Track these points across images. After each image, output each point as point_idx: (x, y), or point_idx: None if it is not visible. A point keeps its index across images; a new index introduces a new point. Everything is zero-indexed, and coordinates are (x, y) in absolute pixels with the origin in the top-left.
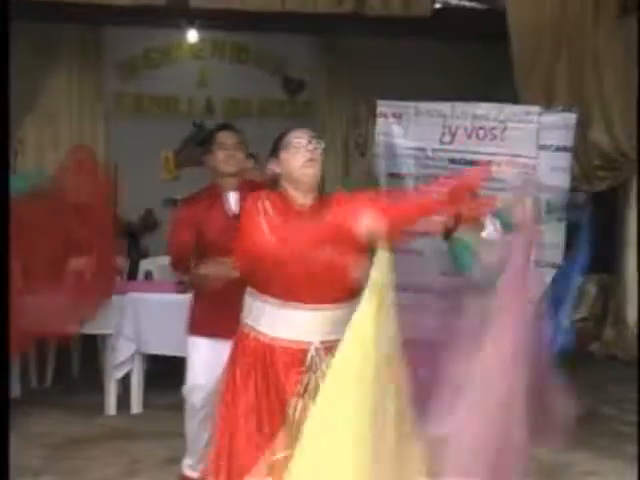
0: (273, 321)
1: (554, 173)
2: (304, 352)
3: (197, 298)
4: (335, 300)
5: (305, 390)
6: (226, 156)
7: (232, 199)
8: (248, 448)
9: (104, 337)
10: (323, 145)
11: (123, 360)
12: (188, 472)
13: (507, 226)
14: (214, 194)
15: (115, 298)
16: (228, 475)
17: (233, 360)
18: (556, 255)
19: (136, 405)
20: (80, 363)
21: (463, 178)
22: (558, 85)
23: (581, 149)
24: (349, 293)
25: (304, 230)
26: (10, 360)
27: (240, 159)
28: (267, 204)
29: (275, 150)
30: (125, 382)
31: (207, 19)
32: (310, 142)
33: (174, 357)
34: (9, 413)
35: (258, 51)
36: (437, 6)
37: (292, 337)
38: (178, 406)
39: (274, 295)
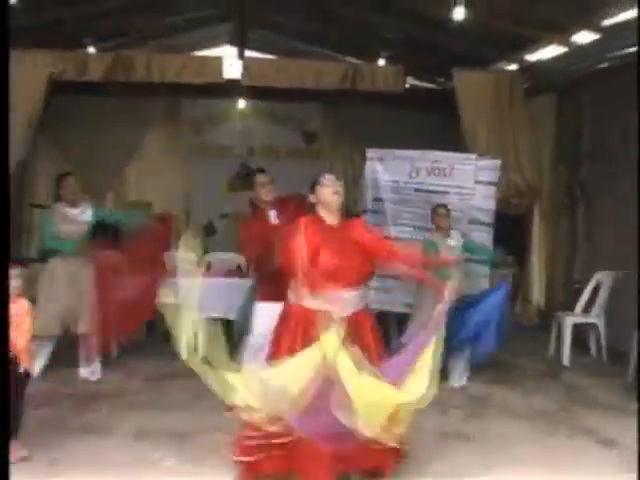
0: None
1: (485, 200)
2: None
3: (260, 281)
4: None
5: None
6: (265, 190)
7: (272, 215)
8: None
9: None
10: (342, 183)
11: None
12: None
13: (468, 250)
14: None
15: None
16: None
17: (281, 320)
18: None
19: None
20: (164, 323)
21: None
22: (489, 142)
23: (503, 184)
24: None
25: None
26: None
27: (271, 190)
28: (307, 224)
29: (312, 187)
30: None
31: (252, 93)
32: (334, 181)
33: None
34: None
35: (285, 114)
36: (407, 86)
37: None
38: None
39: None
